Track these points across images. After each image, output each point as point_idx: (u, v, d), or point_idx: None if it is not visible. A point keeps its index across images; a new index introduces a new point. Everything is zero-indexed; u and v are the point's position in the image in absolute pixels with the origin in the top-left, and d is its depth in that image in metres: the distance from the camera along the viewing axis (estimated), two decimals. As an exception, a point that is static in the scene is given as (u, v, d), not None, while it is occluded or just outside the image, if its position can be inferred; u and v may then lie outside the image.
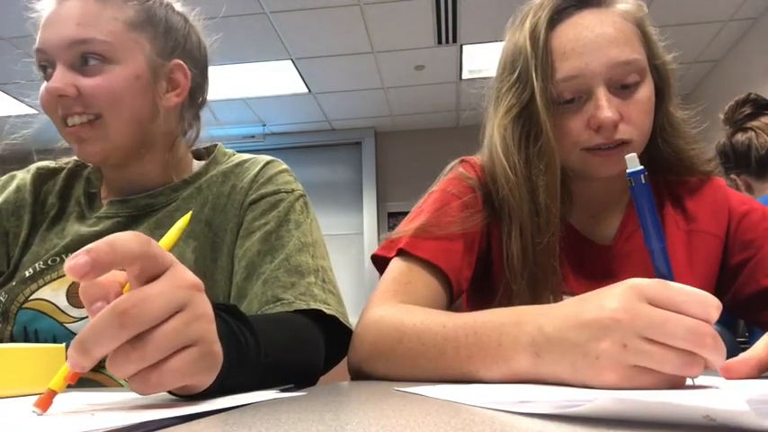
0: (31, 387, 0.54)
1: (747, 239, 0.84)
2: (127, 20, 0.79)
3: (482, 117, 0.87)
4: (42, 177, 0.90)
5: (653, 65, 0.78)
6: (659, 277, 0.51)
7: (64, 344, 0.59)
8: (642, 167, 0.54)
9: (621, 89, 0.75)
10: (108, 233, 0.81)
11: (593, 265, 0.83)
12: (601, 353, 0.45)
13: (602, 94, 0.73)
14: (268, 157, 0.90)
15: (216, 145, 0.94)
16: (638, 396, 0.31)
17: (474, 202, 0.82)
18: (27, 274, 0.80)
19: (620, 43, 0.74)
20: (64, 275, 0.78)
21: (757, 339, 0.52)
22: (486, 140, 0.85)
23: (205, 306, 0.43)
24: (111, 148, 0.79)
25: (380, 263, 0.81)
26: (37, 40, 0.78)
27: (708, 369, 0.44)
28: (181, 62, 0.84)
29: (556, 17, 0.77)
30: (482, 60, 3.95)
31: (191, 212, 0.53)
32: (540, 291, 0.77)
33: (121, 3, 0.79)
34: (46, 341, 0.77)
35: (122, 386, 0.73)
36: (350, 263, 5.07)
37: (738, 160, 1.77)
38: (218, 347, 0.45)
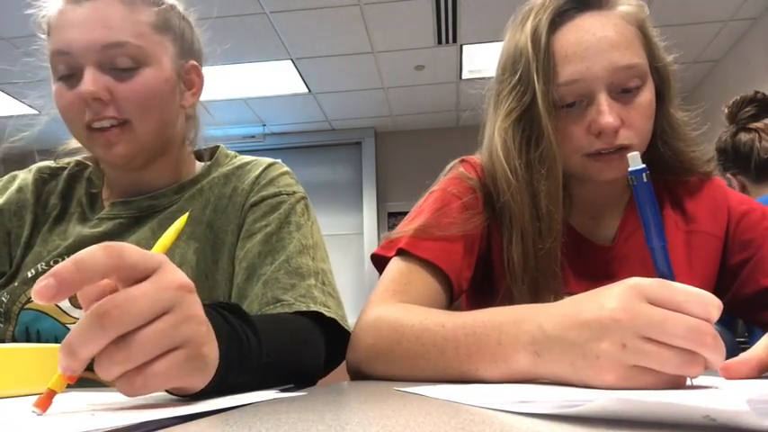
0: (31, 387, 0.54)
1: (747, 239, 0.84)
2: (152, 22, 0.79)
3: (482, 117, 0.87)
4: (44, 178, 0.90)
5: (654, 67, 0.78)
6: (660, 276, 0.51)
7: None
8: (644, 166, 0.54)
9: (622, 93, 0.74)
10: (110, 234, 0.82)
11: (593, 266, 0.83)
12: (600, 353, 0.45)
13: (603, 99, 0.73)
14: (270, 160, 0.90)
15: (218, 146, 0.95)
16: (639, 396, 0.31)
17: (475, 203, 0.82)
18: (29, 274, 0.80)
19: (622, 47, 0.74)
20: None
21: (757, 339, 0.52)
22: (485, 142, 0.84)
23: (194, 307, 0.43)
24: (138, 150, 0.79)
25: (380, 262, 0.81)
26: (54, 41, 0.76)
27: (708, 369, 0.44)
28: (195, 63, 0.86)
29: (557, 19, 0.76)
30: (482, 60, 3.94)
31: (188, 214, 0.53)
32: (541, 295, 0.76)
33: (143, 6, 0.78)
34: (48, 342, 0.77)
35: None
36: (350, 263, 5.07)
37: (738, 160, 1.75)
38: (208, 349, 0.44)
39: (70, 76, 0.76)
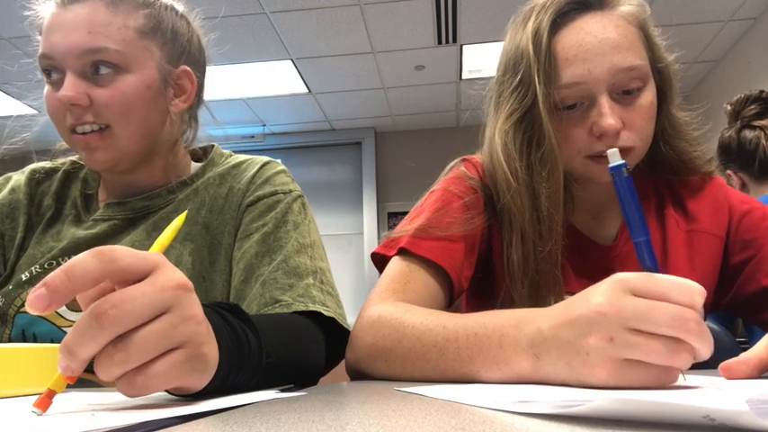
0: (30, 387, 0.54)
1: (748, 239, 0.84)
2: (137, 27, 0.78)
3: (482, 117, 0.87)
4: (38, 178, 0.90)
5: (655, 67, 0.78)
6: (645, 270, 0.51)
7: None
8: (623, 161, 0.54)
9: (624, 95, 0.74)
10: (104, 235, 0.82)
11: (595, 266, 0.83)
12: (590, 348, 0.46)
13: (604, 102, 0.73)
14: (265, 158, 0.90)
15: (213, 146, 0.94)
16: (638, 396, 0.31)
17: (476, 204, 0.82)
18: (24, 277, 0.80)
19: (624, 49, 0.73)
20: None
21: (757, 339, 0.52)
22: (486, 143, 0.84)
23: (193, 307, 0.42)
24: (120, 156, 0.78)
25: (381, 261, 0.81)
26: (42, 45, 0.77)
27: (696, 359, 0.45)
28: (188, 68, 0.84)
29: (558, 20, 0.76)
30: (482, 60, 3.95)
31: (185, 213, 0.53)
32: (541, 298, 0.76)
33: (131, 9, 0.78)
34: None
35: None
36: (350, 263, 5.07)
37: (742, 157, 1.74)
38: (207, 349, 0.44)
39: (56, 80, 0.76)
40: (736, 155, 1.75)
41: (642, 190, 0.86)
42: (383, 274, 0.78)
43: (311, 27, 3.50)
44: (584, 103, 0.75)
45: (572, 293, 0.54)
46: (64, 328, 0.77)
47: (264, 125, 5.06)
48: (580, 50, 0.74)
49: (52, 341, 0.76)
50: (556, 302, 0.54)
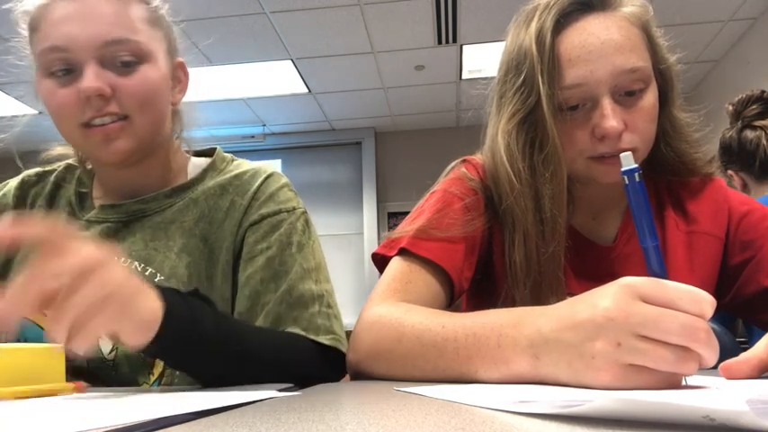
0: (29, 386, 0.54)
1: (747, 240, 0.84)
2: (147, 19, 0.78)
3: (482, 117, 0.86)
4: (30, 181, 0.90)
5: (657, 68, 0.78)
6: (653, 275, 0.51)
7: (62, 345, 0.59)
8: (636, 166, 0.54)
9: (626, 96, 0.74)
10: (98, 238, 0.81)
11: (595, 266, 0.83)
12: (596, 352, 0.45)
13: (607, 103, 0.73)
14: (268, 169, 0.88)
15: (215, 149, 0.93)
16: (638, 396, 0.31)
17: (476, 205, 0.82)
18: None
19: (626, 50, 0.73)
20: None
21: (757, 339, 0.52)
22: (487, 143, 0.84)
23: (118, 267, 0.50)
24: (136, 146, 0.78)
25: (381, 262, 0.81)
26: (48, 38, 0.73)
27: (702, 367, 0.45)
28: (182, 60, 0.86)
29: (562, 20, 0.76)
30: (482, 60, 3.94)
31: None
32: (543, 299, 0.76)
33: (134, 1, 0.78)
34: None
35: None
36: (350, 263, 5.07)
37: (742, 157, 1.74)
38: (142, 299, 0.52)
39: (65, 73, 0.74)
40: (736, 155, 1.75)
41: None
42: (384, 274, 0.78)
43: (311, 27, 3.50)
44: (586, 104, 0.75)
45: (571, 294, 0.54)
46: None
47: (264, 125, 5.06)
48: (583, 51, 0.73)
49: None
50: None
